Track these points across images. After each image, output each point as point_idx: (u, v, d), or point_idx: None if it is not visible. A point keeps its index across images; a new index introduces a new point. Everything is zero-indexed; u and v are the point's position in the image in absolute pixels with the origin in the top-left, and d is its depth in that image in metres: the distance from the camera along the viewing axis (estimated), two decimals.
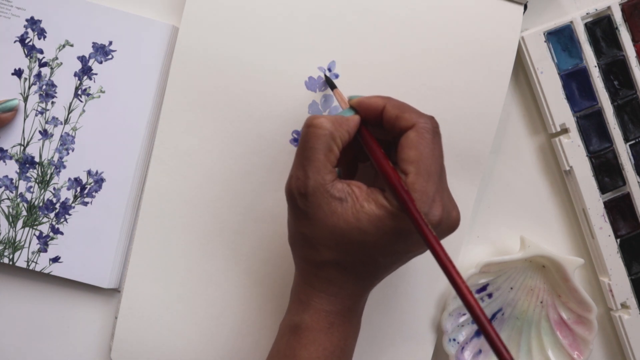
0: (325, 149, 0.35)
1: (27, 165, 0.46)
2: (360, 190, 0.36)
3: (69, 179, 0.46)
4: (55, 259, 0.46)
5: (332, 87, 0.43)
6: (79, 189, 0.46)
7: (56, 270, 0.46)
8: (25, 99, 0.46)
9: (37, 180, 0.46)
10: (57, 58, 0.46)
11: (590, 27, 0.47)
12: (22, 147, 0.46)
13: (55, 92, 0.46)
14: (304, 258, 0.38)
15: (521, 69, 0.48)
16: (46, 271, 0.46)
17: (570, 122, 0.47)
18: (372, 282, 0.39)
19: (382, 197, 0.35)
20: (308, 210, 0.36)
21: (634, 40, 0.47)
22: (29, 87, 0.46)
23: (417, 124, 0.35)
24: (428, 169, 0.35)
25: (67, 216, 0.46)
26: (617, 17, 0.46)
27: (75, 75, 0.46)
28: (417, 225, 0.33)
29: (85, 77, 0.46)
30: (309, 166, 0.35)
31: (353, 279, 0.37)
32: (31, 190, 0.46)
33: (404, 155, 0.35)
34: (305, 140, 0.36)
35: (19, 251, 0.46)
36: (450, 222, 0.36)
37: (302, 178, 0.36)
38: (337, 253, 0.36)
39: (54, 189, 0.46)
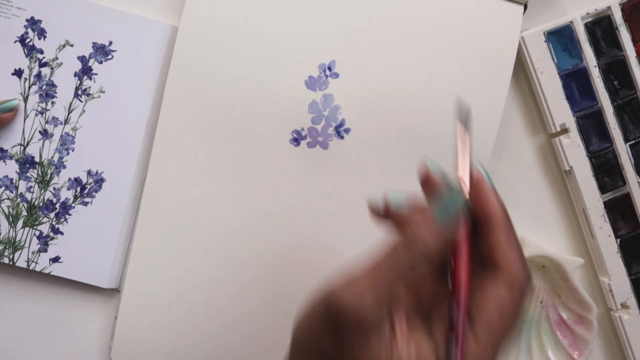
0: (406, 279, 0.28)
1: (27, 165, 0.46)
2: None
3: (69, 179, 0.46)
4: (55, 259, 0.46)
5: (467, 126, 0.31)
6: (79, 189, 0.46)
7: (56, 270, 0.46)
8: (25, 99, 0.46)
9: (37, 180, 0.46)
10: (57, 58, 0.46)
11: (590, 27, 0.47)
12: (22, 147, 0.46)
13: (55, 92, 0.46)
14: None
15: (521, 69, 0.48)
16: (46, 271, 0.46)
17: (570, 122, 0.47)
18: None
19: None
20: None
21: (634, 40, 0.47)
22: (29, 87, 0.46)
23: (513, 273, 0.28)
24: (501, 341, 0.28)
25: (67, 216, 0.46)
26: (617, 17, 0.46)
27: (75, 75, 0.46)
28: None
29: (85, 77, 0.46)
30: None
31: None
32: (31, 190, 0.46)
33: (482, 311, 0.28)
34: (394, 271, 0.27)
35: (19, 251, 0.46)
36: None
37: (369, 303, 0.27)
38: None
39: (54, 189, 0.46)
